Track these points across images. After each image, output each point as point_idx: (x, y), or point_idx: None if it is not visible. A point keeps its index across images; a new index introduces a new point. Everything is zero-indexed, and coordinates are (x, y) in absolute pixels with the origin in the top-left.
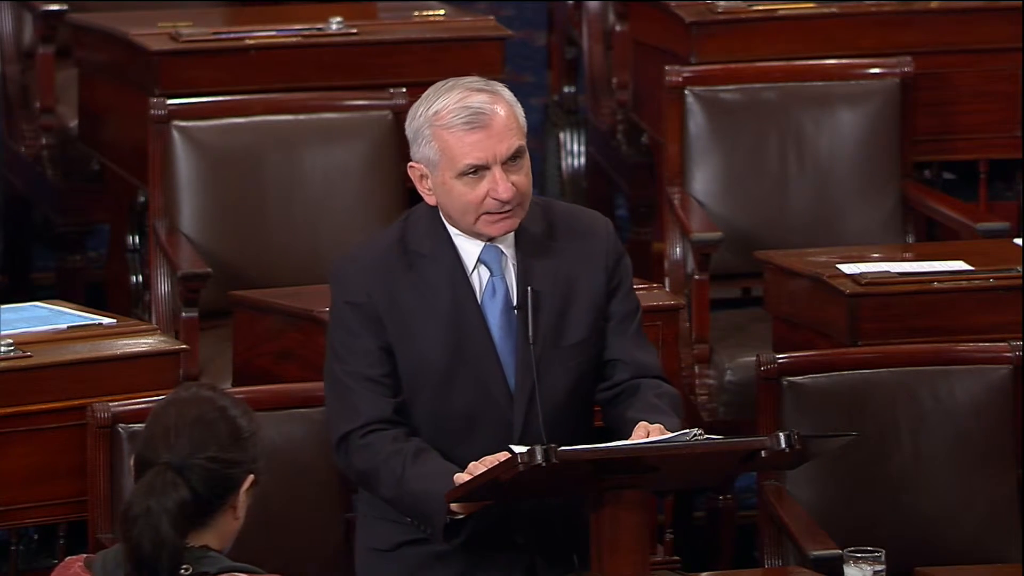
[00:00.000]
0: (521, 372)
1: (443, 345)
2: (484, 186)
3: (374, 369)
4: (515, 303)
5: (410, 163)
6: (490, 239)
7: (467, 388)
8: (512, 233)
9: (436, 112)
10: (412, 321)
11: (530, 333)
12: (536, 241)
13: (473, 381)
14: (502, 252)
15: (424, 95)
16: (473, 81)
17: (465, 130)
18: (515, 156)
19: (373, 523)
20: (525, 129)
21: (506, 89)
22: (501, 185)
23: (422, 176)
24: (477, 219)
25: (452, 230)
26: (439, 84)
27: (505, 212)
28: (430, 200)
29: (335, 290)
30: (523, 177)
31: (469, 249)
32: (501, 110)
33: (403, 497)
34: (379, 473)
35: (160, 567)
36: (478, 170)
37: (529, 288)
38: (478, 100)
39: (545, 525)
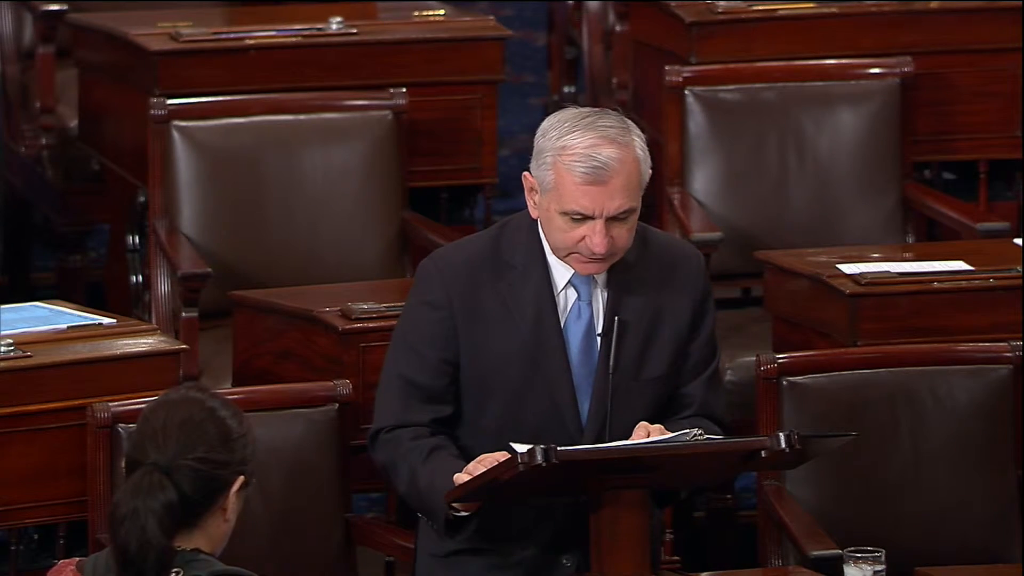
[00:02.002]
0: (596, 401)
1: (519, 359)
2: (582, 231)
3: (421, 377)
4: (599, 329)
5: (526, 172)
6: None
7: (537, 407)
8: None
9: (564, 146)
10: (490, 330)
11: (611, 363)
12: (628, 270)
13: (544, 401)
14: (593, 277)
15: (562, 116)
16: (611, 127)
17: (583, 180)
18: (622, 214)
19: (431, 529)
20: (646, 184)
21: (640, 140)
22: (597, 238)
23: (533, 189)
24: (568, 255)
25: (548, 247)
26: (580, 113)
27: (596, 258)
28: (533, 213)
29: (416, 288)
30: (625, 232)
31: (561, 269)
32: (626, 168)
33: (412, 493)
34: (397, 468)
35: (146, 568)
36: (583, 217)
37: (616, 318)
38: (607, 153)
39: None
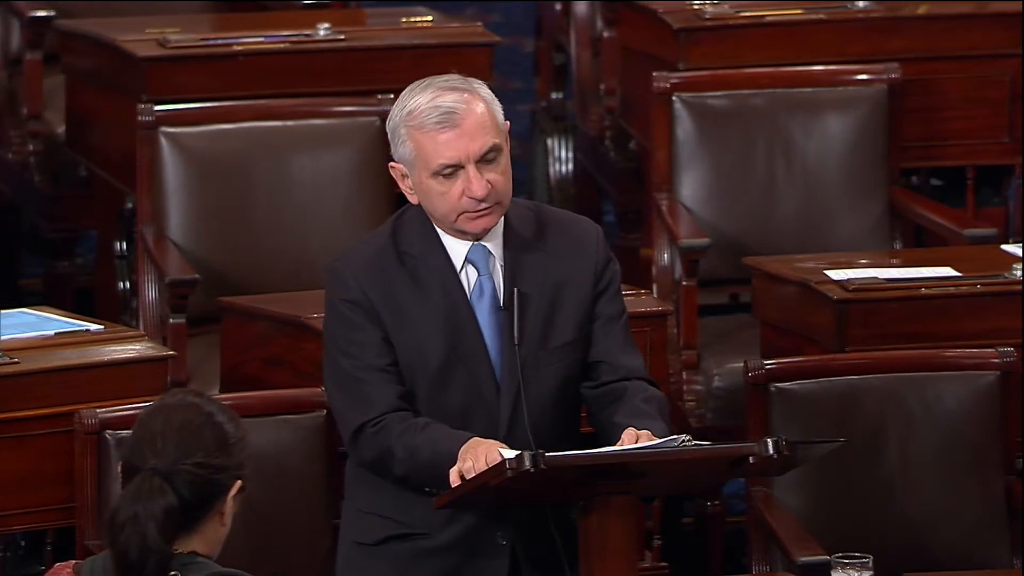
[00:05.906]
0: (507, 373)
1: (439, 342)
2: (459, 185)
3: (382, 359)
4: (502, 303)
5: (391, 163)
6: (476, 237)
7: (460, 385)
8: (501, 233)
9: (409, 112)
10: (408, 319)
11: (516, 334)
12: (525, 243)
13: (465, 379)
14: (490, 252)
15: (401, 94)
16: (448, 79)
17: (437, 130)
18: (490, 154)
19: (360, 517)
20: (504, 127)
21: (484, 86)
22: (475, 183)
23: (403, 175)
24: (457, 217)
25: (439, 230)
26: (416, 83)
27: (482, 210)
28: (412, 199)
29: (331, 291)
30: (499, 175)
31: (457, 249)
32: (475, 108)
33: (416, 466)
34: (393, 451)
35: (146, 573)
36: (453, 169)
37: (516, 289)
38: (450, 99)
39: (531, 524)
